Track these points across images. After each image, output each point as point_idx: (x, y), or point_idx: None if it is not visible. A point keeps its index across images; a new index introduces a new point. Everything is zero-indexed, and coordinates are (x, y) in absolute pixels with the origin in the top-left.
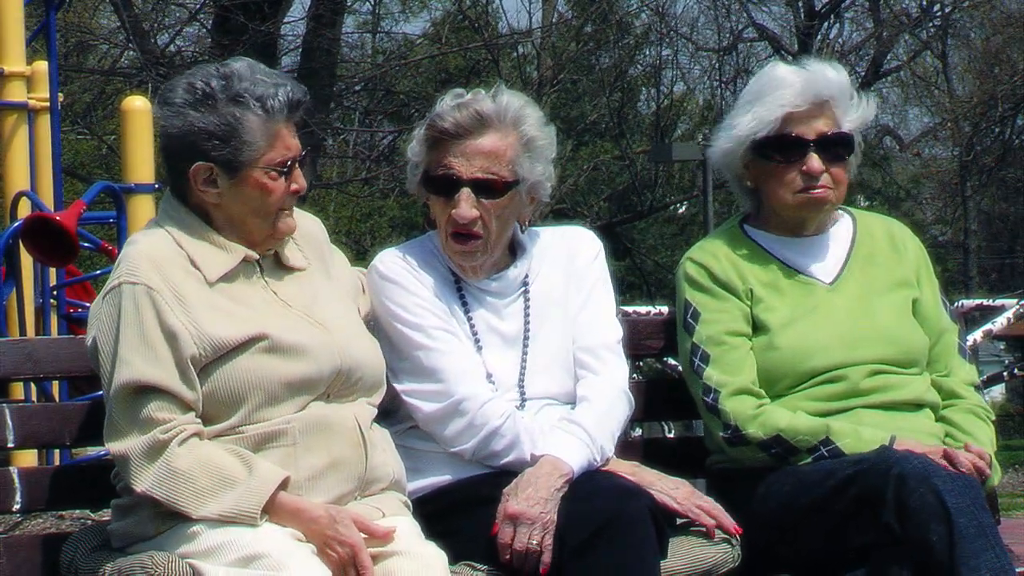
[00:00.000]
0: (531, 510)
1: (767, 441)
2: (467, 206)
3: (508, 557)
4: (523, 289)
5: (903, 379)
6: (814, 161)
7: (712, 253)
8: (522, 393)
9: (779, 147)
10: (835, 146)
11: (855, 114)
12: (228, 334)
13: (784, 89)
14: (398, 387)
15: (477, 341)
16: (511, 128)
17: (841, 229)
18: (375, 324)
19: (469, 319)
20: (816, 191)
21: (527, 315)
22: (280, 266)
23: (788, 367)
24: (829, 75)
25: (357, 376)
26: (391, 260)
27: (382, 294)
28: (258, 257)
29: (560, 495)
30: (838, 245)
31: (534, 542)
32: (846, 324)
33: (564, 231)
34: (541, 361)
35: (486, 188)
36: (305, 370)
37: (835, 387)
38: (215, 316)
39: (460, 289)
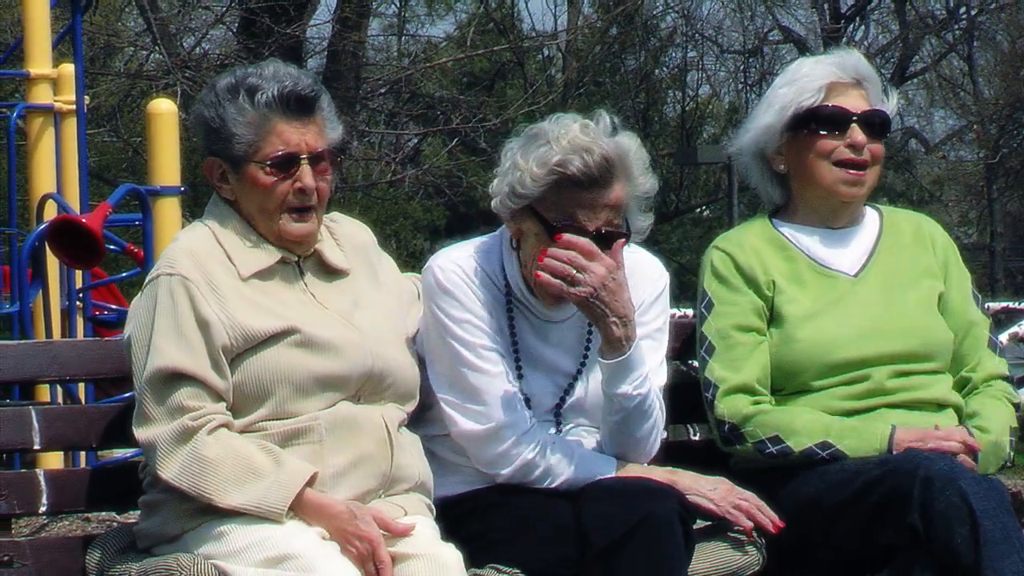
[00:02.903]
0: (610, 282)
1: (763, 440)
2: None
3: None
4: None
5: (927, 379)
6: (858, 133)
7: (738, 243)
8: (558, 419)
9: (823, 118)
10: (877, 122)
11: (886, 100)
12: (260, 325)
13: (824, 65)
14: (438, 393)
15: (519, 364)
16: (627, 177)
17: (868, 223)
18: (423, 327)
19: (514, 340)
20: (855, 171)
21: (588, 342)
22: (323, 269)
23: (808, 360)
24: (862, 59)
25: (388, 382)
26: (450, 267)
27: (435, 302)
28: (296, 259)
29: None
30: (864, 238)
31: (583, 289)
32: (868, 317)
33: (633, 255)
34: (586, 394)
35: (605, 240)
36: (334, 367)
37: (859, 387)
38: (248, 308)
39: (511, 309)
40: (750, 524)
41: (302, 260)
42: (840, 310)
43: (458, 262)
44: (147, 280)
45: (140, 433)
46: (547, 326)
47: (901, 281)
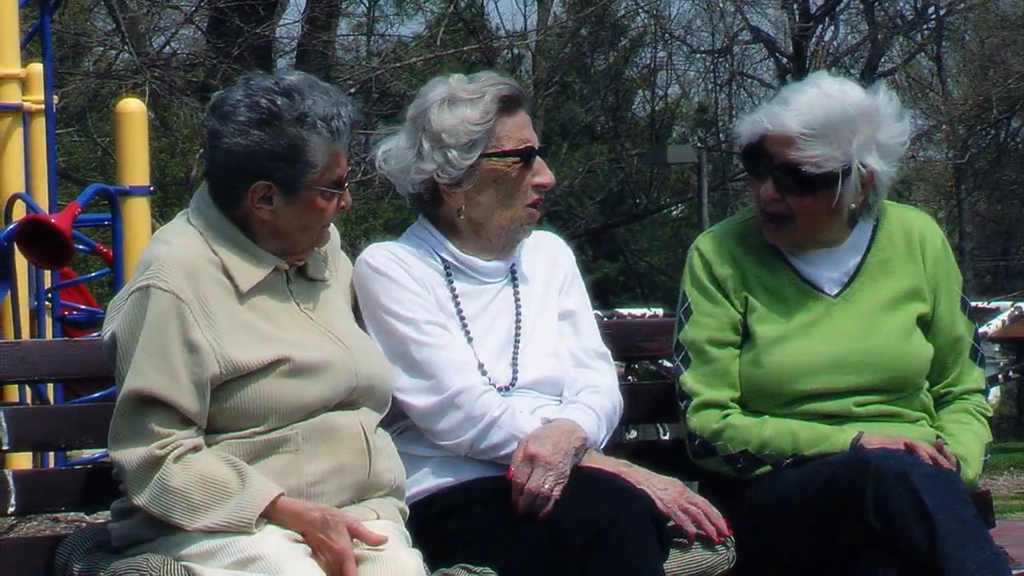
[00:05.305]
0: (552, 456)
1: (734, 455)
2: (549, 171)
3: (520, 497)
4: (512, 276)
5: (894, 408)
6: (766, 187)
7: (719, 248)
8: (515, 374)
9: (749, 160)
10: (794, 178)
11: (854, 150)
12: (250, 357)
13: (774, 107)
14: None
15: (467, 332)
16: None
17: (860, 234)
18: (364, 318)
19: (459, 309)
20: (768, 222)
21: (517, 301)
22: (303, 276)
23: (772, 387)
24: (814, 109)
25: (368, 395)
26: (381, 254)
27: (373, 288)
28: (287, 267)
29: (575, 454)
30: (853, 253)
31: (547, 486)
32: (841, 346)
33: (540, 233)
34: (532, 345)
35: (543, 151)
36: (322, 391)
37: (823, 413)
38: (240, 335)
39: (451, 279)
40: (694, 530)
41: (290, 268)
42: (811, 336)
43: (388, 248)
44: (136, 282)
45: (111, 450)
46: (486, 288)
47: (884, 303)
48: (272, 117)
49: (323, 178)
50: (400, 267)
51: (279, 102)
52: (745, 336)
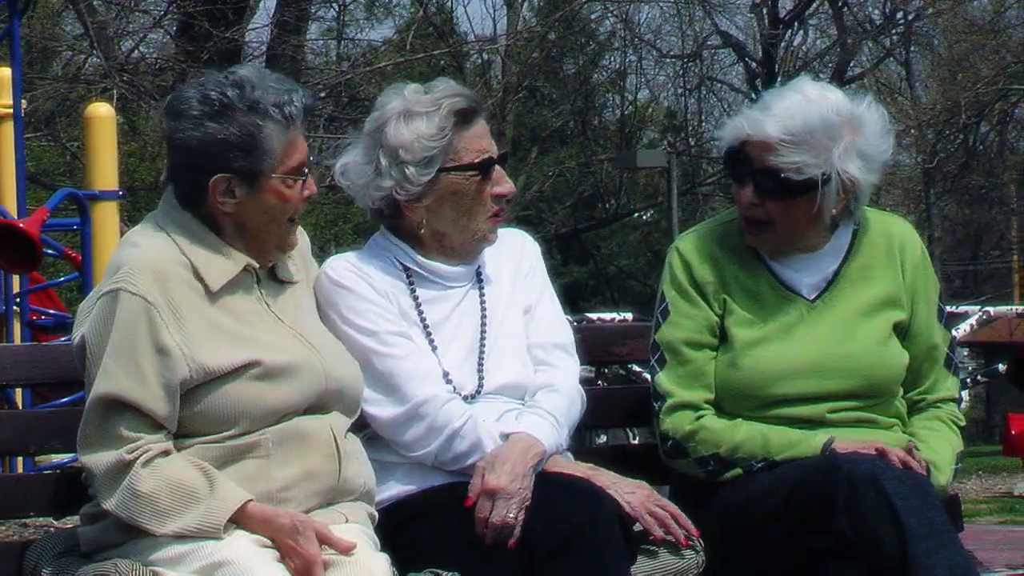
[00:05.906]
0: (510, 486)
1: (705, 458)
2: (509, 180)
3: (485, 530)
4: (477, 278)
5: (869, 415)
6: (746, 192)
7: (698, 249)
8: (480, 380)
9: (730, 164)
10: (773, 184)
11: (835, 158)
12: (220, 360)
13: (755, 112)
14: None
15: (431, 339)
16: None
17: (840, 239)
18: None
19: (422, 317)
20: (747, 225)
21: (483, 303)
22: (274, 277)
23: (747, 390)
24: (795, 115)
25: (338, 398)
26: (341, 266)
27: (334, 300)
28: (257, 266)
29: (534, 471)
30: (832, 258)
31: (511, 516)
32: (818, 350)
33: (504, 231)
34: (497, 349)
35: (504, 158)
36: (292, 395)
37: (797, 418)
38: (210, 338)
39: (413, 287)
40: (661, 534)
41: (260, 268)
42: (788, 340)
43: (348, 260)
44: (106, 286)
45: (80, 454)
46: (450, 292)
47: (862, 309)
48: (224, 108)
49: (282, 165)
50: (360, 278)
51: (230, 93)
52: (722, 338)
